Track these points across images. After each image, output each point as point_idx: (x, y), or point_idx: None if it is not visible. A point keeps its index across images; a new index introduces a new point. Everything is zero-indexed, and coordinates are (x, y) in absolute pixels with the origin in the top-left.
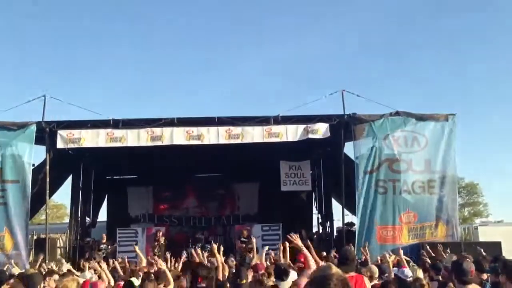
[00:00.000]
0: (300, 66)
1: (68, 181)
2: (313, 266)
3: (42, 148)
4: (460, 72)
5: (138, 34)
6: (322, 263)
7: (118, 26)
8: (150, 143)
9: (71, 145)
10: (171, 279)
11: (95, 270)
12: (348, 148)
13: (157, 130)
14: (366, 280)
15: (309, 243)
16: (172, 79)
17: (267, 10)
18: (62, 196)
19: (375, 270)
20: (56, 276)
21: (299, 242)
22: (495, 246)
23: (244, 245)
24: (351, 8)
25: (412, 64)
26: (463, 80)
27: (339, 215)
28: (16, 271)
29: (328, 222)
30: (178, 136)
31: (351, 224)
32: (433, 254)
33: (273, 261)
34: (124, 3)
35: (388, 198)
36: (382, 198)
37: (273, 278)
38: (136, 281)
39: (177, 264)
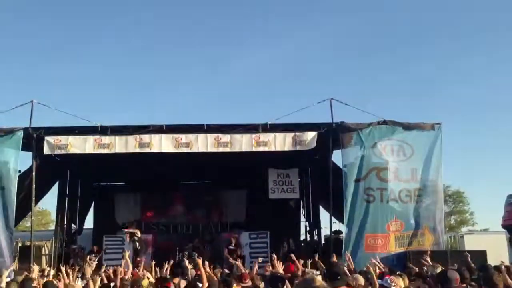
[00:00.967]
0: (289, 73)
1: (54, 188)
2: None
3: (29, 154)
4: (447, 80)
5: (127, 38)
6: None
7: (106, 30)
8: (138, 150)
9: (58, 151)
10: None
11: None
12: (336, 156)
13: (146, 137)
14: None
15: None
16: (160, 84)
17: (254, 16)
18: (48, 202)
19: (361, 279)
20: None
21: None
22: (481, 255)
23: (231, 254)
24: (340, 14)
25: (398, 73)
26: (450, 87)
27: (327, 223)
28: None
29: (316, 230)
30: (166, 144)
31: (339, 232)
32: (427, 262)
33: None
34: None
35: (376, 207)
36: (370, 207)
37: None
38: None
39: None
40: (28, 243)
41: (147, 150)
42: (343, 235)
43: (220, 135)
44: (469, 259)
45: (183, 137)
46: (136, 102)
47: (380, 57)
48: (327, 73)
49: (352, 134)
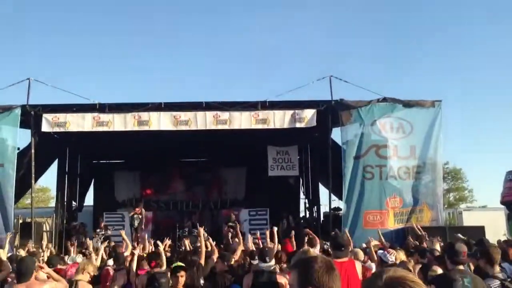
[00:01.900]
0: (289, 51)
1: (54, 165)
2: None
3: (27, 132)
4: (445, 57)
5: (125, 16)
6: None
7: (102, 10)
8: (137, 128)
9: (56, 129)
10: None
11: (83, 254)
12: (336, 134)
13: (144, 115)
14: (357, 264)
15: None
16: (159, 61)
17: None
18: (48, 180)
19: (361, 254)
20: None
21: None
22: (479, 231)
23: (231, 230)
24: None
25: (400, 51)
26: (449, 65)
27: (326, 200)
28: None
29: (315, 207)
30: (165, 122)
31: (338, 209)
32: (421, 233)
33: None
34: None
35: (374, 184)
36: (369, 184)
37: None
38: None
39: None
40: (28, 220)
41: (145, 128)
42: (342, 212)
43: (219, 112)
44: (461, 236)
45: (182, 115)
46: (134, 80)
47: (380, 34)
48: (327, 51)
49: (351, 111)
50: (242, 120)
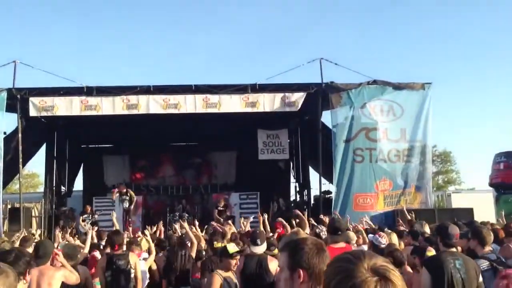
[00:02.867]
0: (278, 33)
1: (42, 150)
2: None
3: (14, 116)
4: (435, 39)
5: None
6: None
7: None
8: (126, 112)
9: (44, 113)
10: None
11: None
12: (326, 117)
13: (133, 98)
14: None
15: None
16: (147, 43)
17: None
18: (36, 165)
19: (353, 236)
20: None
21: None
22: (468, 212)
23: (221, 214)
24: None
25: (389, 33)
26: (439, 46)
27: (316, 183)
28: None
29: (305, 191)
30: (154, 105)
31: (328, 192)
32: (409, 218)
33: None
34: None
35: (364, 167)
36: (358, 167)
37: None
38: None
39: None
40: (17, 205)
41: (135, 111)
42: (332, 195)
43: (208, 95)
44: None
45: (171, 98)
46: (121, 62)
47: (371, 16)
48: (317, 33)
49: (341, 94)
50: (231, 104)
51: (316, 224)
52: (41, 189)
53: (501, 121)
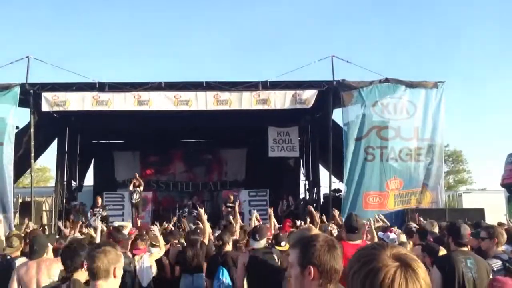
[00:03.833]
0: (291, 31)
1: (54, 145)
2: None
3: (27, 111)
4: (448, 38)
5: None
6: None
7: None
8: (137, 108)
9: (56, 108)
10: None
11: (81, 233)
12: (337, 115)
13: (144, 95)
14: None
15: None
16: (159, 40)
17: None
18: (47, 159)
19: (360, 235)
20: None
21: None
22: (479, 213)
23: (229, 210)
24: None
25: (402, 31)
26: (453, 45)
27: (326, 181)
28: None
29: (315, 189)
30: (165, 101)
31: (338, 190)
32: (422, 221)
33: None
34: None
35: (375, 165)
36: (369, 165)
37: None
38: None
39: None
40: (28, 199)
41: (146, 107)
42: (342, 194)
43: (219, 92)
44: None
45: (182, 95)
46: (133, 59)
47: (382, 14)
48: (329, 31)
49: (353, 92)
50: (242, 101)
51: (326, 221)
52: (52, 183)
53: None
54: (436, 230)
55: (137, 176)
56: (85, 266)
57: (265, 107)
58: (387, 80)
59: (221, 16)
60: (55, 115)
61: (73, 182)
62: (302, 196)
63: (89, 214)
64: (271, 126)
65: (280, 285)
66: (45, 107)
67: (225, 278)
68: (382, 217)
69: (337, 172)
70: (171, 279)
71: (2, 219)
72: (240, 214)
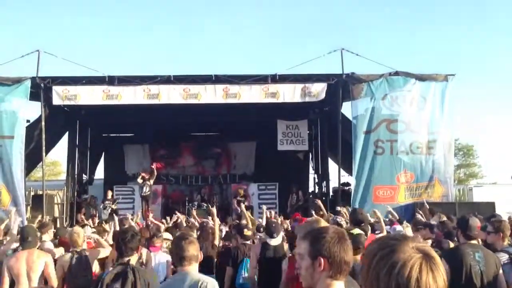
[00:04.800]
0: (299, 24)
1: (64, 138)
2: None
3: (37, 104)
4: (458, 31)
5: None
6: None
7: None
8: (146, 101)
9: (67, 102)
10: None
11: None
12: (346, 108)
13: (154, 88)
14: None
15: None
16: (169, 34)
17: None
18: (58, 153)
19: (367, 227)
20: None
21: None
22: (490, 206)
23: (239, 204)
24: None
25: (412, 23)
26: (463, 38)
27: (336, 175)
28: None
29: (324, 182)
30: (175, 95)
31: (347, 184)
32: (428, 213)
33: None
34: None
35: (385, 159)
36: (379, 159)
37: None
38: None
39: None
40: (40, 192)
41: (155, 101)
42: (352, 187)
43: (228, 86)
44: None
45: (191, 88)
46: (143, 52)
47: (392, 6)
48: (338, 24)
49: (362, 85)
50: (251, 94)
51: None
52: (62, 177)
53: None
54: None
55: (153, 166)
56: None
57: (274, 100)
58: (397, 73)
59: (229, 9)
60: (65, 108)
61: (83, 175)
62: (311, 189)
63: (100, 207)
64: (280, 120)
65: None
66: (56, 101)
67: (246, 270)
68: (391, 210)
69: (346, 165)
70: None
71: (14, 211)
72: (250, 208)
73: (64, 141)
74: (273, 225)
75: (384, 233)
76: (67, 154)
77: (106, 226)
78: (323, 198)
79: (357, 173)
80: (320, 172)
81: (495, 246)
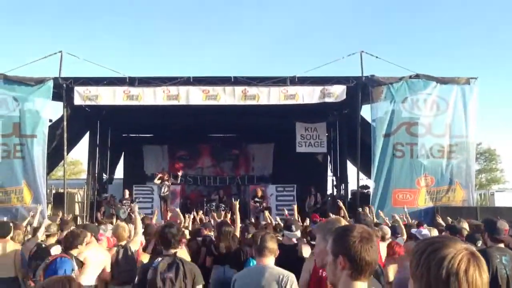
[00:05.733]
0: (319, 26)
1: (85, 138)
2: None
3: (59, 104)
4: (480, 33)
5: None
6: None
7: None
8: (166, 102)
9: (88, 102)
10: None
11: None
12: (365, 111)
13: (173, 89)
14: (381, 245)
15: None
16: (189, 36)
17: None
18: (79, 152)
19: (387, 230)
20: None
21: None
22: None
23: (257, 205)
24: None
25: (433, 25)
26: (484, 41)
27: (354, 178)
28: (35, 223)
29: (343, 185)
30: (194, 96)
31: (366, 187)
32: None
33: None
34: None
35: (405, 162)
36: (399, 162)
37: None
38: None
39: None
40: (61, 191)
41: (175, 102)
42: (371, 190)
43: (247, 87)
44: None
45: (211, 89)
46: (163, 55)
47: (412, 9)
48: (358, 26)
49: (382, 88)
50: (270, 96)
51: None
52: (83, 176)
53: None
54: (466, 226)
55: (165, 173)
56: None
57: (293, 102)
58: (417, 76)
59: (249, 11)
60: (86, 109)
61: (103, 174)
62: (329, 192)
63: (118, 205)
64: (299, 122)
65: None
66: (77, 101)
67: None
68: (406, 214)
69: (365, 168)
70: (203, 270)
71: (39, 210)
72: (268, 208)
73: (85, 141)
74: (292, 219)
75: (405, 236)
76: (88, 153)
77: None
78: (342, 200)
79: (376, 176)
80: (338, 175)
81: None
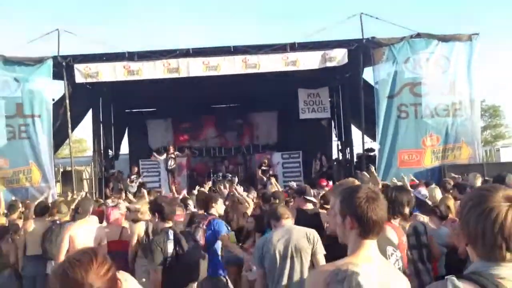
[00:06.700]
0: None
1: (88, 116)
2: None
3: (61, 83)
4: None
5: None
6: None
7: None
8: (167, 75)
9: (89, 80)
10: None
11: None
12: (368, 73)
13: (173, 62)
14: None
15: None
16: (184, 6)
17: None
18: (83, 130)
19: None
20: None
21: None
22: None
23: (265, 173)
24: None
25: None
26: None
27: (359, 141)
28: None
29: (348, 149)
30: (194, 68)
31: (371, 149)
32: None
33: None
34: None
35: (410, 123)
36: (403, 123)
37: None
38: None
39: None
40: (69, 169)
41: (175, 75)
42: (376, 152)
43: (247, 56)
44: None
45: (211, 60)
46: (159, 26)
47: None
48: None
49: (383, 49)
50: (271, 63)
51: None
52: (88, 154)
53: None
54: (479, 183)
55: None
56: None
57: (295, 68)
58: (418, 35)
59: None
60: (88, 86)
61: (109, 151)
62: (335, 156)
63: (128, 180)
64: (301, 88)
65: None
66: (78, 79)
67: None
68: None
69: (369, 131)
70: None
71: (51, 193)
72: (274, 176)
73: (88, 118)
74: (303, 185)
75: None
76: (92, 130)
77: (133, 199)
78: (347, 164)
79: (381, 138)
80: (343, 139)
81: None
